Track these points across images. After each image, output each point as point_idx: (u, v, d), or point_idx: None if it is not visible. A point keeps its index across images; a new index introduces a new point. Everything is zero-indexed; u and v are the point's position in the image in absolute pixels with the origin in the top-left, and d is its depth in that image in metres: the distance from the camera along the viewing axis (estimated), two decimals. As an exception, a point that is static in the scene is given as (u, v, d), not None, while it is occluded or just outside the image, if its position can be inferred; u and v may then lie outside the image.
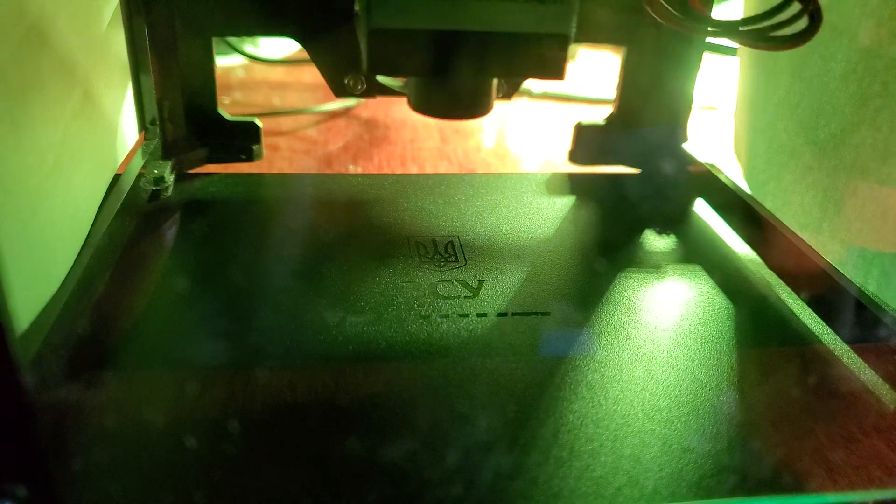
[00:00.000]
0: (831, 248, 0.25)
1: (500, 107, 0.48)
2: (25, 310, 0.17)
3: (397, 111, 0.46)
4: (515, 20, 0.20)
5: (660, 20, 0.22)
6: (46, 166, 0.19)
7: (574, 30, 0.21)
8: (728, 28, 0.22)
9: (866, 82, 0.23)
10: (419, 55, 0.20)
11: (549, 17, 0.20)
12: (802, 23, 0.21)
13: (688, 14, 0.22)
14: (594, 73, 0.55)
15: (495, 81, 0.24)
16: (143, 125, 0.29)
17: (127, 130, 0.28)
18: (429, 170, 0.38)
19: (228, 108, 0.29)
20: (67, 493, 0.14)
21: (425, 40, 0.20)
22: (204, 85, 0.28)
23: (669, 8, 0.21)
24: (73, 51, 0.21)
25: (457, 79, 0.23)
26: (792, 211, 0.27)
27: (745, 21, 0.21)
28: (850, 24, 0.24)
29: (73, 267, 0.20)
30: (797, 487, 0.16)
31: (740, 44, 0.22)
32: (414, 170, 0.38)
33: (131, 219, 0.24)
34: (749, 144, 0.32)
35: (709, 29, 0.22)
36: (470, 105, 0.24)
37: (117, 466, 0.15)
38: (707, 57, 0.30)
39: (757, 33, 0.21)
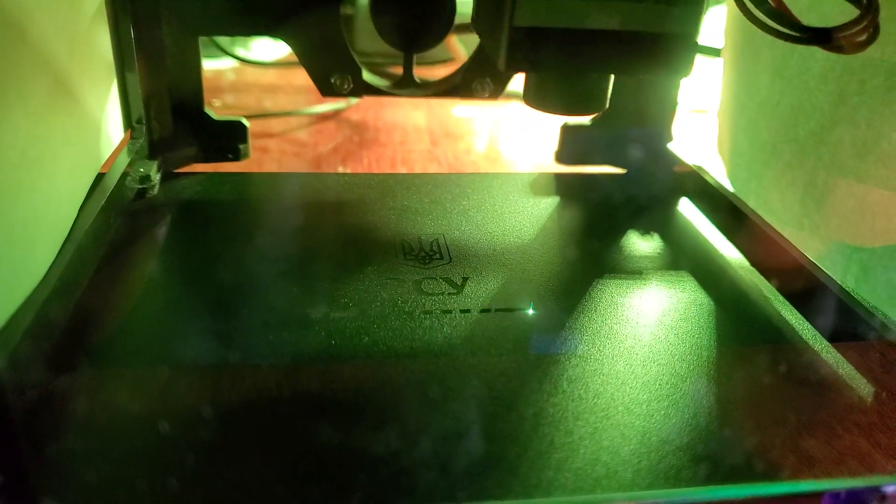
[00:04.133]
0: (812, 244, 0.25)
1: (489, 109, 0.48)
2: (2, 304, 0.17)
3: (388, 114, 0.46)
4: (647, 20, 0.21)
5: (754, 25, 0.22)
6: (27, 162, 0.19)
7: (700, 29, 0.22)
8: (819, 35, 0.22)
9: (844, 80, 0.24)
10: (554, 53, 0.21)
11: (679, 18, 0.21)
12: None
13: (780, 21, 0.22)
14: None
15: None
16: (129, 124, 0.29)
17: (112, 129, 0.28)
18: (418, 172, 0.38)
19: (218, 110, 0.29)
20: (42, 483, 0.14)
21: (562, 38, 0.21)
22: (191, 84, 0.28)
23: (763, 17, 0.22)
24: (54, 47, 0.21)
25: (585, 76, 0.24)
26: (773, 208, 0.28)
27: (838, 29, 0.21)
28: (828, 23, 0.24)
29: (54, 263, 0.20)
30: (771, 476, 0.16)
31: (827, 50, 0.23)
32: (403, 172, 0.38)
33: (116, 217, 0.24)
34: (732, 143, 0.32)
35: (799, 35, 0.23)
36: (591, 101, 0.25)
37: (93, 458, 0.15)
38: (698, 59, 0.31)
39: (841, 40, 0.21)
